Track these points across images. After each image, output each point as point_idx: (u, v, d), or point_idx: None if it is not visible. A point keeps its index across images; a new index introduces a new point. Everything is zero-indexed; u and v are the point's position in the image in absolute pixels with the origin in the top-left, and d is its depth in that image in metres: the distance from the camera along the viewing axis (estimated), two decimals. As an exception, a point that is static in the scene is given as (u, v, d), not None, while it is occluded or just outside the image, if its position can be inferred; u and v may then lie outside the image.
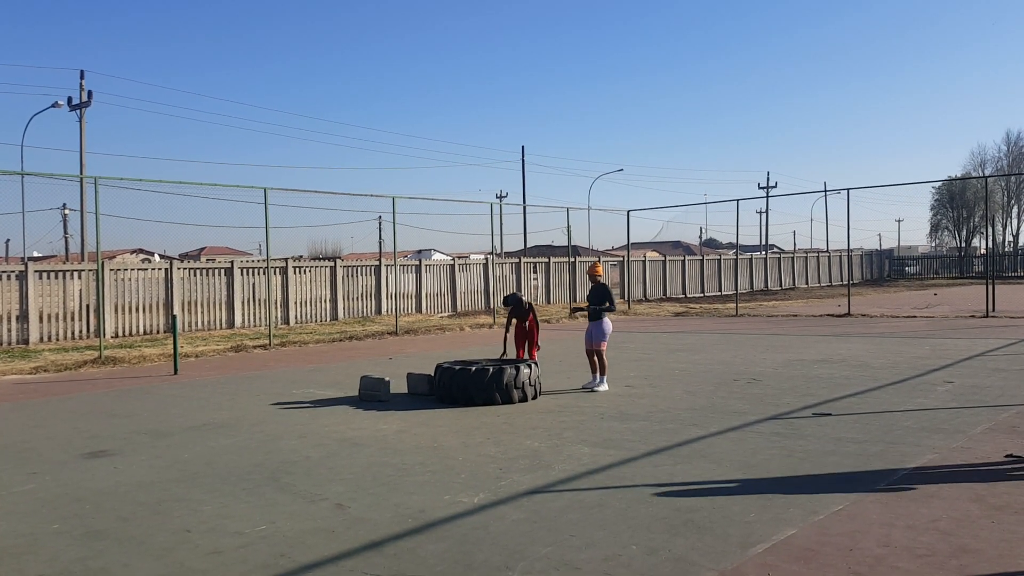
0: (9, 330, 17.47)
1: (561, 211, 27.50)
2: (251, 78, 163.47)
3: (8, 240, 55.58)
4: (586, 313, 10.48)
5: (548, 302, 30.02)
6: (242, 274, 22.00)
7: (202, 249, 62.80)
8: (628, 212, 29.95)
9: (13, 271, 18.05)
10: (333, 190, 24.74)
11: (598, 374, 10.25)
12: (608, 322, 10.54)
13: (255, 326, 21.72)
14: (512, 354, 11.20)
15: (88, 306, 18.87)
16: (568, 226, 26.76)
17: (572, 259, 30.15)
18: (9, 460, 7.02)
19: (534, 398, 9.53)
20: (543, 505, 5.30)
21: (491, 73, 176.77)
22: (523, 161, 56.17)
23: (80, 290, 18.94)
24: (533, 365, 9.67)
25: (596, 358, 10.28)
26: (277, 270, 22.41)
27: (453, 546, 4.54)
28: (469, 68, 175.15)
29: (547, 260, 31.29)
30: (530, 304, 11.46)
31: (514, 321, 11.45)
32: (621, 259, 34.65)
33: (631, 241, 30.78)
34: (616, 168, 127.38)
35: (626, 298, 31.09)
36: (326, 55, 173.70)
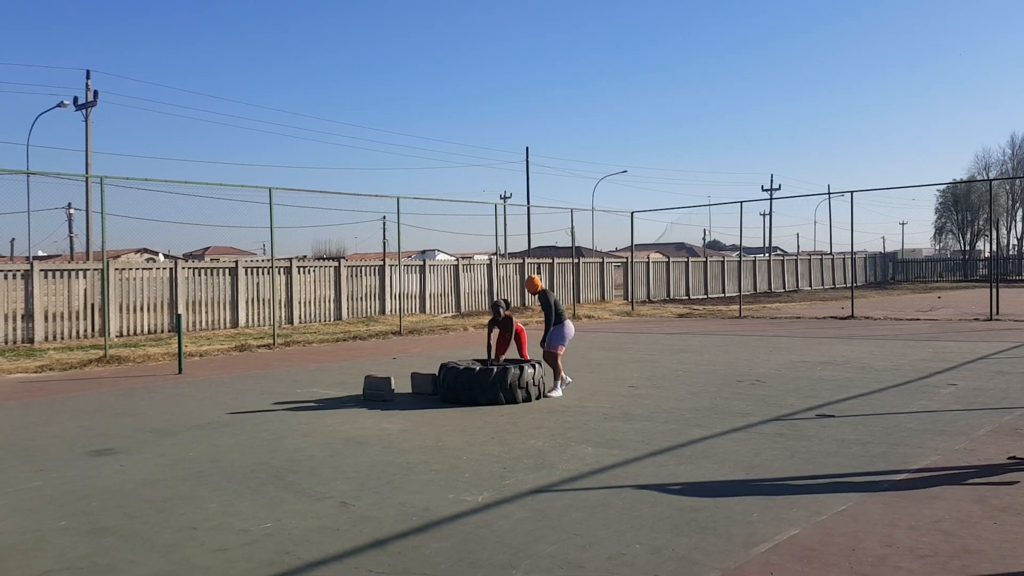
0: (14, 329, 17.53)
1: (565, 212, 27.44)
2: (257, 78, 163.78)
3: (13, 239, 55.66)
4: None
5: (551, 303, 30.05)
6: (246, 274, 22.05)
7: (206, 249, 62.97)
8: (632, 214, 30.00)
9: (18, 270, 18.12)
10: (338, 190, 24.83)
11: (554, 378, 9.95)
12: (570, 325, 10.25)
13: (259, 326, 21.76)
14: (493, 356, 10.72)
15: (93, 305, 18.92)
16: (572, 227, 26.80)
17: (576, 260, 30.17)
18: (16, 458, 7.06)
19: (538, 398, 9.55)
20: (547, 504, 5.32)
21: (495, 73, 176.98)
22: (527, 162, 56.29)
23: (85, 289, 18.99)
24: (537, 365, 9.69)
25: (551, 362, 9.99)
26: (281, 270, 22.46)
27: (457, 544, 4.57)
28: (474, 68, 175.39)
29: (551, 261, 31.31)
30: (509, 317, 10.54)
31: (496, 330, 10.66)
32: (625, 260, 34.66)
33: (635, 242, 30.80)
34: (620, 170, 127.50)
35: (630, 299, 31.10)
36: (331, 55, 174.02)
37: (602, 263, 33.86)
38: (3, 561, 4.46)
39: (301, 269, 23.32)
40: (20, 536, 4.89)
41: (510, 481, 5.91)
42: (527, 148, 57.75)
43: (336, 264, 24.52)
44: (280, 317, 21.81)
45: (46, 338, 18.01)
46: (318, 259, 39.93)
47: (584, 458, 6.60)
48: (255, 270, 22.43)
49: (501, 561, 4.30)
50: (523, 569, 4.18)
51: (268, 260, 21.79)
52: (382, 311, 25.08)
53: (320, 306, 23.56)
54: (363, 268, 25.15)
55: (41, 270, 18.40)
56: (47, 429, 8.40)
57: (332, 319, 23.70)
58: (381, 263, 25.87)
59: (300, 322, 22.80)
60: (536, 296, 10.43)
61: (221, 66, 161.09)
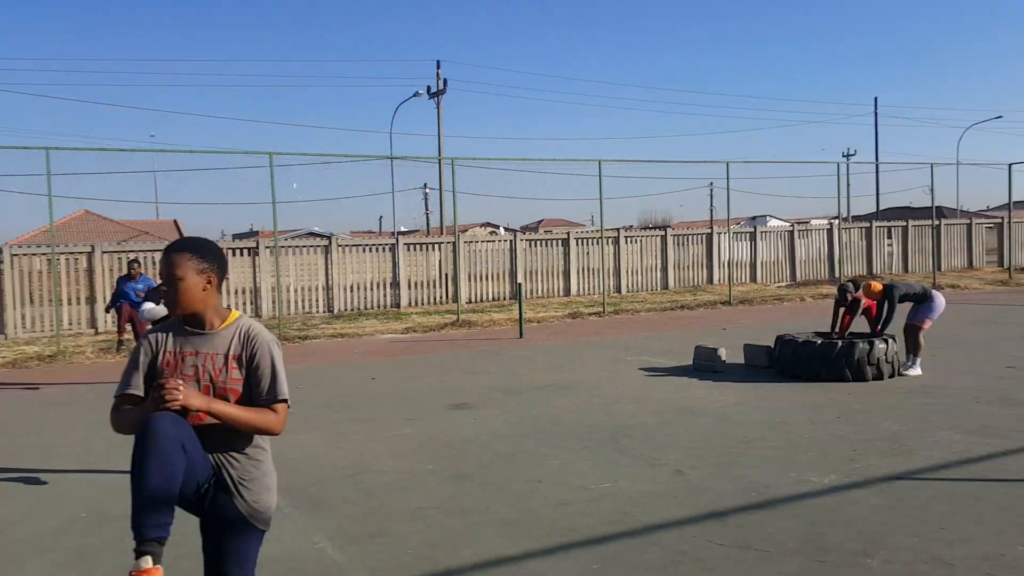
0: (384, 295, 20.19)
1: (923, 168, 24.38)
2: (582, 51, 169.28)
3: (381, 217, 64.16)
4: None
5: (906, 271, 27.03)
6: (577, 244, 22.96)
7: (540, 222, 66.76)
8: (1010, 166, 25.76)
9: (387, 244, 20.82)
10: (663, 158, 24.75)
11: (913, 354, 8.98)
12: (941, 299, 9.11)
13: (589, 294, 22.57)
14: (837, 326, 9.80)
15: (446, 275, 21.09)
16: (932, 185, 23.80)
17: (936, 222, 26.75)
18: (392, 407, 8.11)
19: (891, 376, 8.66)
20: (905, 492, 4.80)
21: (837, 28, 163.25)
22: (875, 114, 51.02)
23: (440, 261, 21.23)
24: (890, 340, 8.76)
25: (912, 336, 8.98)
26: (609, 240, 23.02)
27: (803, 526, 4.30)
28: (815, 23, 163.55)
29: (904, 224, 28.10)
30: (856, 299, 9.48)
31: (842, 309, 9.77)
32: (1000, 220, 30.08)
33: (1013, 199, 26.44)
34: (994, 115, 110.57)
35: (1007, 266, 26.91)
36: (644, 22, 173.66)
37: (969, 224, 29.64)
38: (387, 495, 5.14)
39: (628, 239, 23.70)
40: (398, 476, 5.60)
41: (860, 464, 5.43)
42: (876, 98, 52.49)
43: (662, 233, 24.51)
44: (608, 286, 22.41)
45: (409, 304, 20.46)
46: (644, 228, 40.30)
47: (950, 445, 5.84)
48: (584, 241, 23.26)
49: (854, 548, 3.96)
50: (880, 559, 3.81)
51: (597, 231, 22.45)
52: (709, 280, 24.59)
53: (646, 275, 23.77)
54: (689, 237, 24.84)
55: (404, 244, 20.95)
56: (413, 383, 9.52)
57: (658, 288, 23.80)
58: (708, 231, 25.33)
59: (627, 291, 23.22)
60: (876, 298, 9.20)
61: (547, 47, 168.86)
